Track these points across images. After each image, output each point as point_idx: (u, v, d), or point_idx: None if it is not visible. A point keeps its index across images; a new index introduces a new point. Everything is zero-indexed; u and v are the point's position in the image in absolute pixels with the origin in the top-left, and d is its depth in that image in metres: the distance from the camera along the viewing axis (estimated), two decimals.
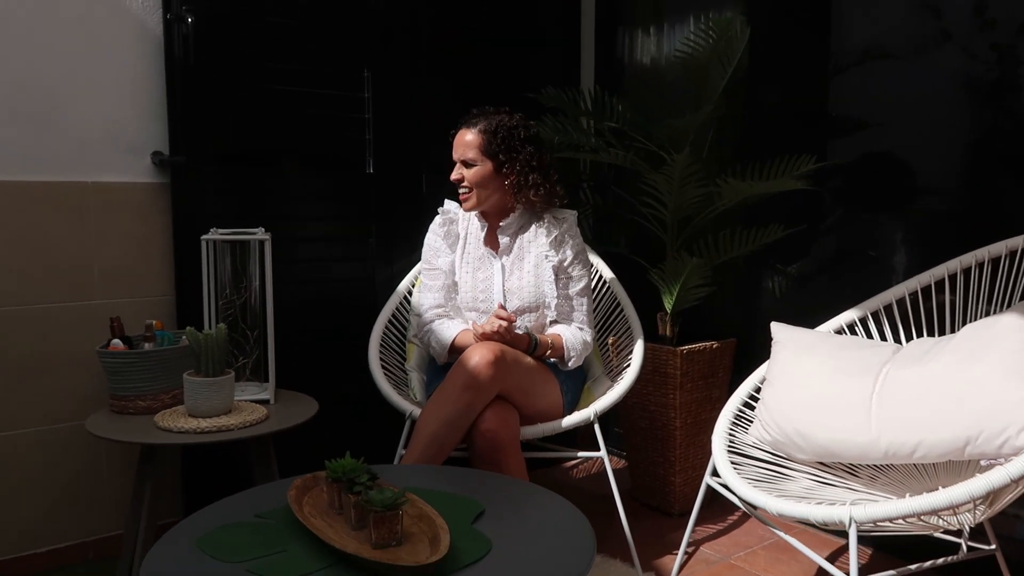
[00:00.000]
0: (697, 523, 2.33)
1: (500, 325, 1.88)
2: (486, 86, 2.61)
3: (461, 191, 2.05)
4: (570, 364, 2.01)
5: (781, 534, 1.63)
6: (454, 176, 2.04)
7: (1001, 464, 1.31)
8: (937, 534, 1.67)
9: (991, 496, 1.29)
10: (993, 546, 1.65)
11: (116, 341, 1.91)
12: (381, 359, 2.15)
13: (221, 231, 1.98)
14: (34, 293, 2.03)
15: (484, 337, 1.88)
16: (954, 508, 1.32)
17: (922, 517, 1.35)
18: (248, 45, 2.21)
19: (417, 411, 1.94)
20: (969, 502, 1.26)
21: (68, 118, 2.03)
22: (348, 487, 1.34)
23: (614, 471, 2.02)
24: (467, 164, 2.02)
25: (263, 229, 2.01)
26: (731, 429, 1.83)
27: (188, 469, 2.23)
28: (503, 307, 1.98)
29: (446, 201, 2.17)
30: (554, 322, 2.05)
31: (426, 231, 2.19)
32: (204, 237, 1.95)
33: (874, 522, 1.32)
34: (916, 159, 2.13)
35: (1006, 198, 1.97)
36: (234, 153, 2.22)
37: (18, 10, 1.95)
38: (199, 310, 2.08)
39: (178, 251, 2.18)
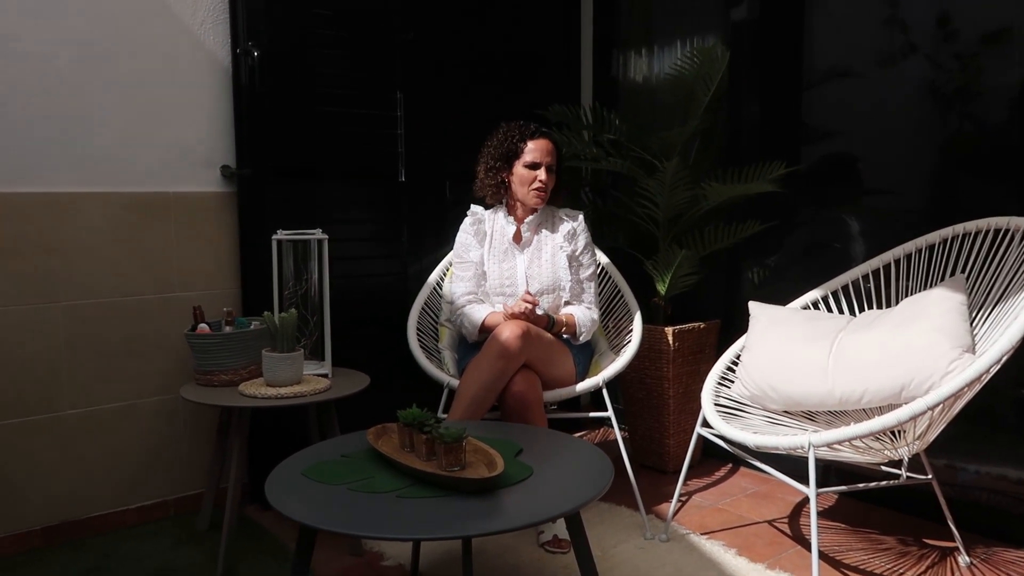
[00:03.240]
0: (689, 477, 2.73)
1: (526, 307, 2.26)
2: (499, 104, 2.99)
3: (541, 192, 2.37)
4: (581, 339, 2.39)
5: (759, 464, 2.01)
6: (542, 177, 2.35)
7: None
8: (882, 467, 2.06)
9: (914, 420, 1.67)
10: (929, 476, 2.03)
11: (203, 325, 2.26)
12: (418, 340, 2.52)
13: (286, 232, 2.34)
14: (129, 287, 2.38)
15: (512, 316, 2.26)
16: (888, 431, 1.69)
17: (865, 440, 1.73)
18: (302, 74, 2.57)
19: (454, 382, 2.31)
20: (896, 424, 1.64)
21: (154, 137, 2.38)
22: (419, 428, 1.71)
23: (617, 440, 2.39)
24: (551, 169, 2.39)
25: (320, 230, 2.37)
26: (716, 390, 2.21)
27: (251, 438, 2.57)
28: (529, 292, 2.36)
29: (473, 205, 2.54)
30: (567, 303, 2.43)
31: (450, 231, 2.57)
32: (274, 237, 2.31)
33: (828, 445, 1.70)
34: (877, 162, 2.48)
35: (962, 195, 2.29)
36: (289, 166, 2.58)
37: (120, 48, 2.31)
38: (262, 300, 2.44)
39: (243, 250, 2.54)
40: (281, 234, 2.33)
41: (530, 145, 2.39)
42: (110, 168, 2.32)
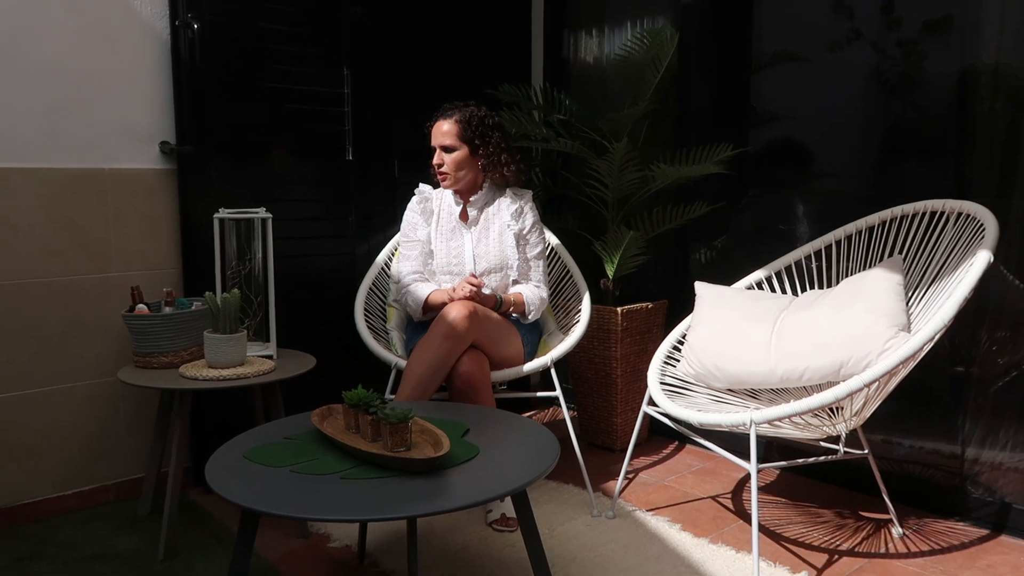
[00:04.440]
0: (636, 455, 2.76)
1: (471, 289, 2.25)
2: (449, 83, 2.95)
3: (440, 173, 2.40)
4: (530, 317, 2.40)
5: (704, 441, 2.04)
6: (436, 160, 2.39)
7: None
8: (822, 443, 2.11)
9: (851, 396, 1.71)
10: (866, 450, 2.09)
11: (141, 306, 2.20)
12: (366, 321, 2.49)
13: (228, 211, 2.28)
14: (64, 267, 2.30)
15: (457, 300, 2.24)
16: (826, 407, 1.74)
17: (804, 417, 1.78)
18: (245, 48, 2.49)
19: (401, 363, 2.29)
20: (834, 401, 1.68)
21: (87, 111, 2.30)
22: (364, 409, 1.69)
23: (565, 420, 2.41)
24: (446, 150, 2.37)
25: (264, 209, 2.32)
26: (663, 369, 2.24)
27: (193, 421, 2.52)
28: (473, 275, 2.35)
29: (420, 184, 2.52)
30: (515, 282, 2.42)
31: (399, 210, 2.54)
32: (216, 215, 2.25)
33: (768, 422, 1.74)
34: (821, 146, 2.53)
35: (904, 179, 2.34)
36: (232, 143, 2.51)
37: (47, 16, 2.21)
38: (204, 281, 2.39)
39: (185, 230, 2.47)
40: (223, 213, 2.27)
41: (432, 129, 2.42)
42: (39, 143, 2.23)
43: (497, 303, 2.33)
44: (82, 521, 2.29)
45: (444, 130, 2.38)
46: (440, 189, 2.48)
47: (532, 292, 2.41)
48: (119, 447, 2.44)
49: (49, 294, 2.28)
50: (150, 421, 2.44)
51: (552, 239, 2.74)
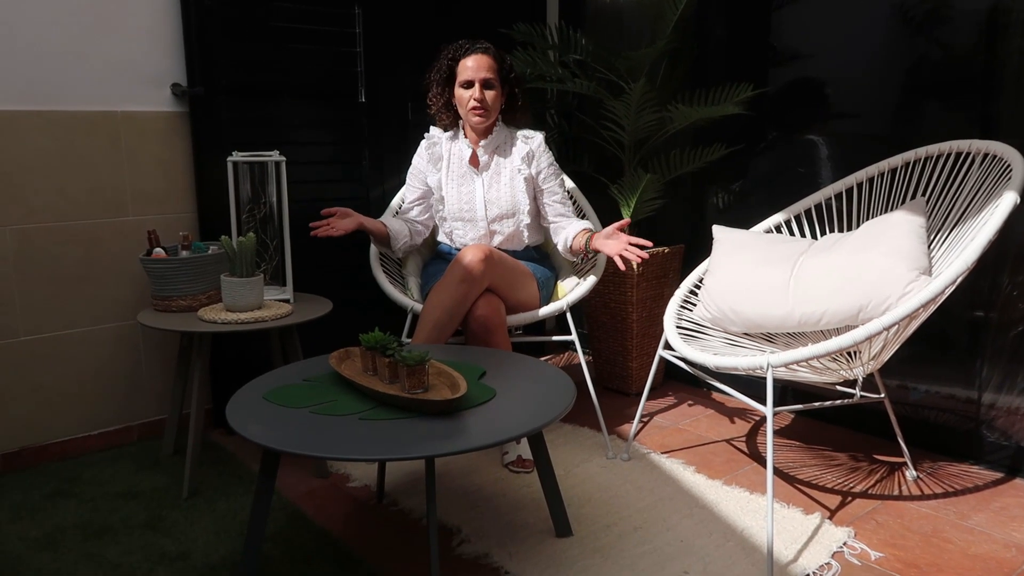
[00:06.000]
0: (651, 399, 2.78)
1: (640, 254, 2.06)
2: (462, 22, 2.88)
3: (478, 110, 2.30)
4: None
5: (719, 385, 2.04)
6: (476, 95, 2.28)
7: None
8: (838, 387, 2.11)
9: (870, 340, 1.70)
10: (882, 394, 2.09)
11: (158, 250, 2.21)
12: (382, 265, 2.49)
13: (242, 154, 2.27)
14: (79, 211, 2.30)
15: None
16: (844, 351, 1.73)
17: (822, 361, 1.77)
18: None
19: (417, 307, 2.30)
20: (853, 344, 1.67)
21: (98, 53, 2.27)
22: (382, 351, 1.70)
23: (581, 364, 2.41)
24: (487, 85, 2.30)
25: (278, 152, 2.30)
26: (679, 313, 2.23)
27: (212, 364, 2.56)
28: (618, 227, 2.19)
29: (431, 127, 2.48)
30: (558, 226, 2.39)
31: (412, 153, 2.50)
32: (229, 159, 2.24)
33: (786, 365, 1.73)
34: (843, 86, 2.46)
35: (926, 120, 2.28)
36: (243, 84, 2.48)
37: None
38: (219, 224, 2.39)
39: (198, 173, 2.46)
40: (237, 156, 2.26)
41: (463, 64, 2.31)
42: (51, 85, 2.21)
43: (586, 247, 2.28)
44: (107, 460, 2.34)
45: (487, 64, 2.29)
46: (450, 133, 2.44)
47: (584, 225, 2.37)
48: (141, 389, 2.48)
49: (65, 238, 2.29)
50: (171, 363, 2.47)
51: (568, 182, 2.71)
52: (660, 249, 2.79)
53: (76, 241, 2.31)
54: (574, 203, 2.69)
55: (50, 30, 2.19)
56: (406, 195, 2.51)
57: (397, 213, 2.57)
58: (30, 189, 2.22)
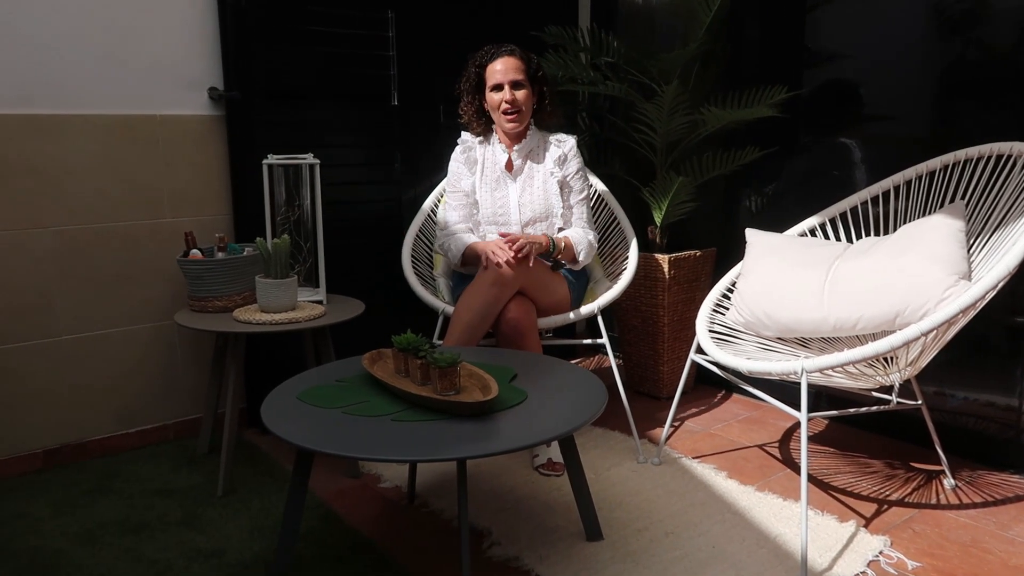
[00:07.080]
0: (682, 403, 2.76)
1: (508, 256, 2.13)
2: (493, 25, 2.90)
3: (512, 112, 2.33)
4: (580, 259, 2.37)
5: (752, 389, 2.02)
6: (507, 98, 2.31)
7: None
8: (873, 393, 2.08)
9: (907, 346, 1.68)
10: (920, 401, 2.06)
11: (195, 251, 2.24)
12: (413, 267, 2.51)
13: (277, 157, 2.29)
14: (118, 212, 2.35)
15: (498, 264, 2.13)
16: (880, 356, 1.70)
17: (858, 366, 1.74)
18: None
19: (448, 309, 2.31)
20: (890, 350, 1.64)
21: (138, 58, 2.31)
22: (414, 353, 1.71)
23: (611, 367, 2.41)
24: (516, 86, 2.32)
25: (312, 155, 2.32)
26: (711, 316, 2.22)
27: (247, 364, 2.58)
28: (502, 234, 2.30)
29: (463, 133, 2.49)
30: (561, 229, 2.40)
31: (444, 156, 2.52)
32: (265, 162, 2.27)
33: (821, 370, 1.71)
34: (879, 88, 2.43)
35: (964, 122, 2.24)
36: (278, 88, 2.51)
37: None
38: (254, 226, 2.42)
39: (234, 175, 2.50)
40: (272, 159, 2.29)
41: (491, 68, 2.33)
42: (92, 90, 2.26)
43: (551, 246, 2.31)
44: (144, 458, 2.38)
45: (515, 65, 2.31)
46: (484, 138, 2.45)
47: (579, 235, 2.38)
48: (177, 388, 2.52)
49: (104, 239, 2.34)
50: (206, 363, 2.51)
51: (599, 185, 2.70)
52: (691, 252, 2.77)
53: (115, 242, 2.36)
54: (604, 206, 2.68)
55: (91, 34, 2.23)
56: (449, 216, 2.44)
57: (444, 231, 2.48)
58: (71, 191, 2.27)
